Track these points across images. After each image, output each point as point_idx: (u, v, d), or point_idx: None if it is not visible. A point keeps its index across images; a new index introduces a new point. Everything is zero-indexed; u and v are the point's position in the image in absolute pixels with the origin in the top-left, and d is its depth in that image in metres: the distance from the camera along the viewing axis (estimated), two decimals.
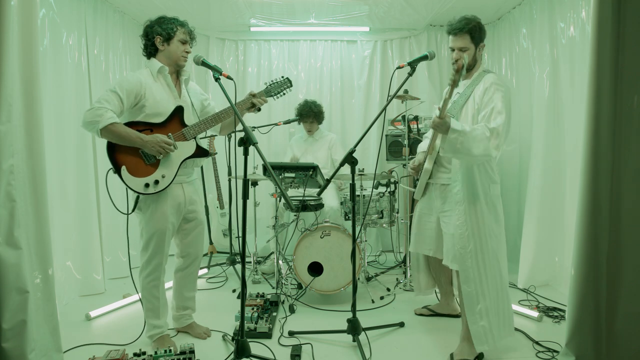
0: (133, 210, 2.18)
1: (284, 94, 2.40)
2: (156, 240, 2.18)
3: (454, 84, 1.91)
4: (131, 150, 2.09)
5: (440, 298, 2.76)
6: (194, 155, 2.23)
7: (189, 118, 2.25)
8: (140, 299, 2.28)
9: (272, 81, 2.38)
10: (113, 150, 2.08)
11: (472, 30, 2.18)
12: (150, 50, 2.25)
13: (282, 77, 2.40)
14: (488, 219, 2.12)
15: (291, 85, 2.41)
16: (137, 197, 2.17)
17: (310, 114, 3.83)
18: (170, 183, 2.16)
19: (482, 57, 2.27)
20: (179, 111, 2.20)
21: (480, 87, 2.15)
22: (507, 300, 2.17)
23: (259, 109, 2.33)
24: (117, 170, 2.08)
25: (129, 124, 2.10)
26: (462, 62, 1.97)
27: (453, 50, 2.23)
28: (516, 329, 2.41)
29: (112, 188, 2.18)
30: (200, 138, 2.34)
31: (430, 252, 2.47)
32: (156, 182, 2.12)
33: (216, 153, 3.95)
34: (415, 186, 2.50)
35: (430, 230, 2.43)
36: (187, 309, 2.47)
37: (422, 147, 2.56)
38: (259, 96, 2.29)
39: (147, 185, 2.10)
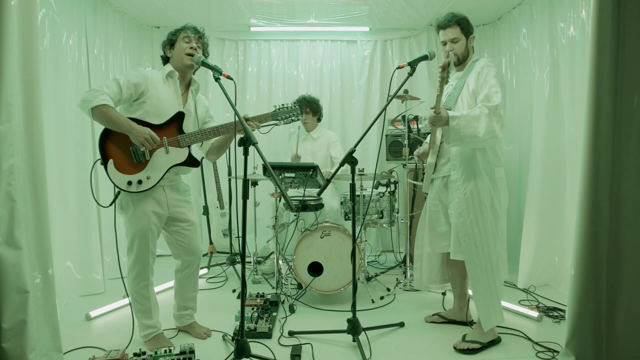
0: (111, 204, 2.17)
1: (292, 120, 2.34)
2: (139, 240, 2.17)
3: (443, 81, 2.01)
4: (123, 145, 2.09)
5: (454, 302, 2.61)
6: (184, 163, 2.22)
7: (188, 127, 2.26)
8: (130, 302, 2.27)
9: (282, 105, 2.34)
10: (104, 142, 2.08)
11: (460, 22, 2.27)
12: (164, 61, 2.33)
13: (294, 103, 2.38)
14: (491, 203, 2.18)
15: (301, 113, 2.37)
16: (118, 193, 2.15)
17: (302, 102, 3.81)
18: (154, 186, 2.15)
19: (473, 49, 2.34)
20: (179, 117, 2.21)
21: (472, 75, 2.22)
22: (499, 285, 2.22)
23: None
24: (104, 163, 2.08)
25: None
26: (449, 60, 2.10)
27: (445, 44, 2.31)
28: (516, 329, 2.43)
29: (101, 182, 2.16)
30: None
31: (447, 248, 2.38)
32: (139, 182, 2.11)
33: None
34: (422, 180, 2.51)
35: (443, 226, 2.39)
36: (187, 309, 2.47)
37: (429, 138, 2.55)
38: (253, 120, 2.25)
39: (129, 183, 2.09)
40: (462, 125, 2.03)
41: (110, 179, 2.08)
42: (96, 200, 2.23)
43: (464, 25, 2.27)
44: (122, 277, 2.24)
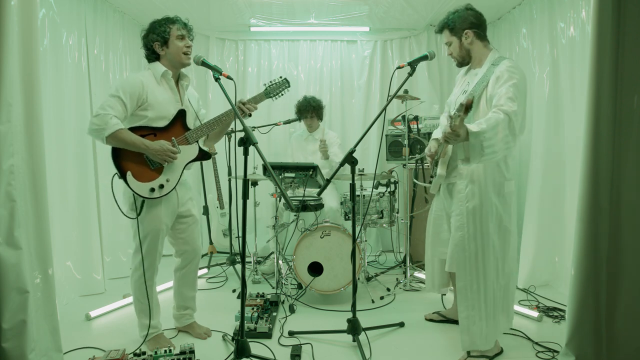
0: (139, 214, 2.15)
1: (282, 94, 2.40)
2: (150, 241, 2.18)
3: (462, 121, 1.75)
4: (136, 155, 2.10)
5: (453, 301, 2.58)
6: (196, 159, 2.25)
7: (190, 122, 2.27)
8: (133, 300, 2.28)
9: (271, 82, 2.38)
10: (118, 156, 2.08)
11: (448, 23, 2.20)
12: (151, 57, 2.25)
13: (281, 77, 2.41)
14: (495, 219, 2.05)
15: (289, 86, 2.41)
16: (143, 202, 2.14)
17: (309, 108, 3.81)
18: (174, 187, 2.18)
19: (477, 43, 2.20)
20: (181, 115, 2.21)
21: (492, 79, 2.06)
22: (509, 300, 2.15)
23: (250, 114, 2.32)
24: (123, 176, 2.08)
25: (133, 129, 2.08)
26: (472, 98, 1.74)
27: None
28: (516, 329, 2.43)
29: (108, 190, 2.16)
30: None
31: (445, 255, 2.30)
32: (161, 186, 2.14)
33: (216, 153, 3.95)
34: (429, 182, 2.41)
35: (446, 232, 2.32)
36: (187, 309, 2.47)
37: (435, 134, 2.43)
38: (250, 102, 2.28)
39: (152, 189, 2.11)
40: (481, 141, 1.81)
41: (133, 190, 2.08)
42: (124, 214, 2.18)
43: (452, 26, 2.18)
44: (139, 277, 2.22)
